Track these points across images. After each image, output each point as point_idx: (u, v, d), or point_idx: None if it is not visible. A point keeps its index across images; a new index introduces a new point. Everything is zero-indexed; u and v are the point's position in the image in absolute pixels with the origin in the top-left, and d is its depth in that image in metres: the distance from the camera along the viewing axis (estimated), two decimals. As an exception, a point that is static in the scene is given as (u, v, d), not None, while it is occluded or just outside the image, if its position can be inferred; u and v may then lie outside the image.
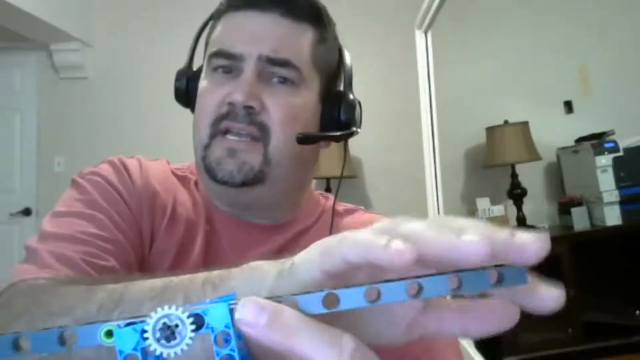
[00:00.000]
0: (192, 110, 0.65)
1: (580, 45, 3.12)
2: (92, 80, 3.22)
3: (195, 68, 0.67)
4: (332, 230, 0.65)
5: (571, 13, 3.14)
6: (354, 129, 0.64)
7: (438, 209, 2.08)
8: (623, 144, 2.70)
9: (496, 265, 0.23)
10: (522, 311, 0.26)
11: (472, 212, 2.90)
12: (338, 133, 0.63)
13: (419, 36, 2.12)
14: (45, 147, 3.22)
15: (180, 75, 0.67)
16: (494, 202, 2.89)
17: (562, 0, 3.14)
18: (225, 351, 0.24)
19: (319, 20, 0.63)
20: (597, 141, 2.77)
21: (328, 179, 2.80)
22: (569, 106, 3.14)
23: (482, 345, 2.16)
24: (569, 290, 2.41)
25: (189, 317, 0.24)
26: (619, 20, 3.11)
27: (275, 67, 0.58)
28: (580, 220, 2.75)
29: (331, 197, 0.73)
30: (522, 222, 2.87)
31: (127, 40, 3.20)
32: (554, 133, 3.05)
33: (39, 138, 3.24)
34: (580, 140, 2.94)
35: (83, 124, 3.18)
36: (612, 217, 2.67)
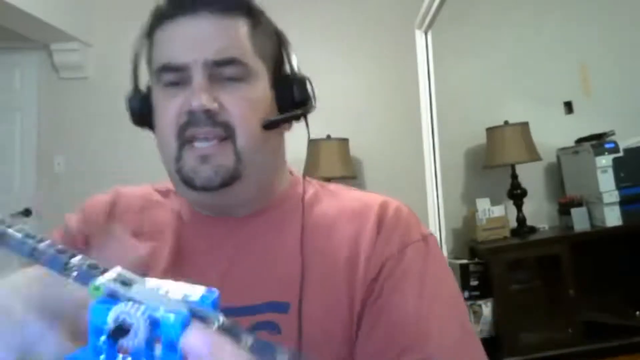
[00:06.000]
0: (153, 129, 0.66)
1: (580, 44, 3.12)
2: (92, 80, 3.22)
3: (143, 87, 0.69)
4: (304, 218, 0.64)
5: (571, 13, 3.14)
6: (310, 104, 0.66)
7: (438, 209, 2.07)
8: (623, 144, 2.71)
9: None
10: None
11: (472, 212, 2.90)
12: (299, 112, 0.65)
13: (419, 36, 2.12)
14: (45, 147, 3.22)
15: (131, 100, 0.68)
16: (494, 202, 2.89)
17: (562, 0, 3.14)
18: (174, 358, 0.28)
19: (249, 9, 0.64)
20: (597, 142, 2.78)
21: (328, 179, 2.79)
22: (569, 106, 3.14)
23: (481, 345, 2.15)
24: (569, 290, 2.40)
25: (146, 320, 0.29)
26: (619, 20, 3.11)
27: (222, 68, 0.60)
28: (580, 220, 2.75)
29: (314, 182, 0.73)
30: (522, 223, 2.87)
31: (127, 40, 3.18)
32: (554, 133, 3.06)
33: (39, 138, 3.23)
34: (580, 140, 2.94)
35: (83, 124, 3.18)
36: (612, 217, 2.67)
